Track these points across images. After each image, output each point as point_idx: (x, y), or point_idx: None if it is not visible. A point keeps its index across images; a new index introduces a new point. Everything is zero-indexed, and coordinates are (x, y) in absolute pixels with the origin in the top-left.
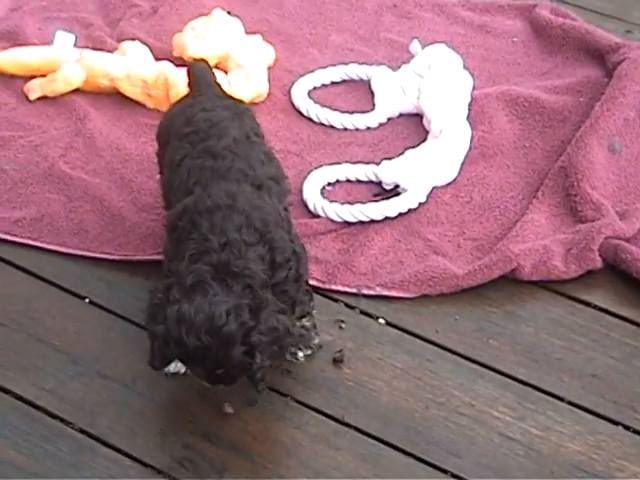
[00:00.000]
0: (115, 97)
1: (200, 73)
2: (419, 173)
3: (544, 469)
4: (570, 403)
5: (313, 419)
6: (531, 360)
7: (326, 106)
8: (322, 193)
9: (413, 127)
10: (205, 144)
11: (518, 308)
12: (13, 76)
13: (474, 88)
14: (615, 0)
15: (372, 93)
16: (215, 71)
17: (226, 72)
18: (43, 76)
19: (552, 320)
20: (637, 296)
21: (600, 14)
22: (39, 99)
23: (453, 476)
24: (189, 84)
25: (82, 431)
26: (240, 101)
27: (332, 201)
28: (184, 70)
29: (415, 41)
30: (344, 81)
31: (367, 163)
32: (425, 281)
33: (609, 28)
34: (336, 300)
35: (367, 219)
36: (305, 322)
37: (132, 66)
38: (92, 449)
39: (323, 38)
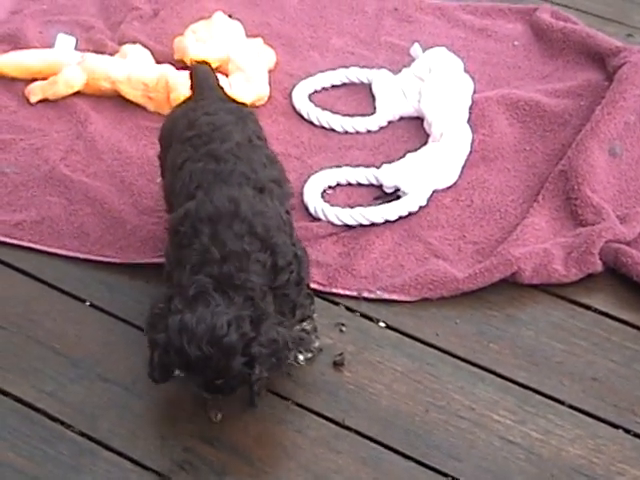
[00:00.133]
0: (116, 100)
1: (203, 76)
2: (420, 176)
3: (544, 473)
4: (570, 407)
5: (313, 422)
6: (531, 364)
7: (327, 109)
8: (323, 196)
9: (414, 130)
10: (208, 147)
11: (518, 311)
12: (14, 79)
13: (475, 91)
14: (616, 4)
15: (373, 96)
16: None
17: (227, 75)
18: (44, 79)
19: (552, 324)
20: (638, 300)
21: (601, 18)
22: (40, 102)
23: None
24: (192, 87)
25: (82, 434)
26: (243, 104)
27: (333, 204)
28: (185, 73)
29: (416, 44)
30: (345, 84)
31: (368, 166)
32: (425, 284)
33: (610, 32)
34: (337, 303)
35: (368, 222)
36: (306, 325)
37: (133, 69)
38: (92, 452)
39: (324, 41)
